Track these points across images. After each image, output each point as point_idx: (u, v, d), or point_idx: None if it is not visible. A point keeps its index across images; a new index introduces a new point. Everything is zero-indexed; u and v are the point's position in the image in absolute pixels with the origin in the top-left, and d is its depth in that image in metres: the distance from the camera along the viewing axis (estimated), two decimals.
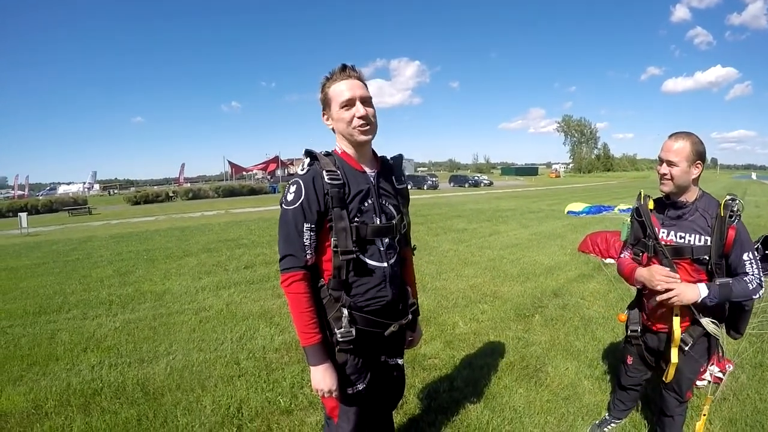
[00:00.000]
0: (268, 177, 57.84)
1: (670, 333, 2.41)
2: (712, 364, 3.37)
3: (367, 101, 1.83)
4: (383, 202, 1.94)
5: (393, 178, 2.04)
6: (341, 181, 1.80)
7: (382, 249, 1.91)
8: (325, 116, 1.90)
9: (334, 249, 1.80)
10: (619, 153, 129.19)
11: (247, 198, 38.85)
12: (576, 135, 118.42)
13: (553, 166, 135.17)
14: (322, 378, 1.83)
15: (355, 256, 1.81)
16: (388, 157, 2.09)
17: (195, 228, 15.25)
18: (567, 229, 12.17)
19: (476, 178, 57.62)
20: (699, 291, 2.20)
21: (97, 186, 70.27)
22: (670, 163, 2.23)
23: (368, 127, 1.84)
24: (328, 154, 1.89)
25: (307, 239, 1.78)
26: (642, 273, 2.40)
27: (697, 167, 2.24)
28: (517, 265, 7.91)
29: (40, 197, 46.35)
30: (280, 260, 1.81)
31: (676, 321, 2.36)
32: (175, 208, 29.26)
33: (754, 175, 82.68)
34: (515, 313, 5.29)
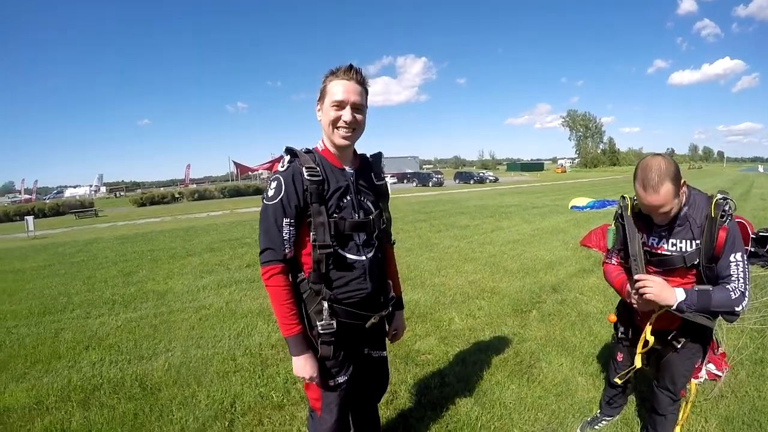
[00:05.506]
0: None
1: (663, 329, 2.35)
2: (709, 362, 3.37)
3: (358, 108, 1.87)
4: (361, 198, 1.98)
5: (372, 174, 2.09)
6: (320, 178, 1.84)
7: (359, 243, 1.95)
8: (318, 108, 1.93)
9: (313, 243, 1.84)
10: (625, 147, 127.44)
11: (252, 198, 39.02)
12: (581, 129, 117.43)
13: (559, 162, 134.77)
14: (303, 365, 1.89)
15: (332, 249, 1.86)
16: (368, 155, 2.13)
17: (200, 228, 15.37)
18: (570, 224, 12.17)
19: (481, 174, 57.53)
20: (675, 295, 2.08)
21: (103, 188, 71.15)
22: (663, 211, 2.05)
23: (350, 133, 1.88)
24: (308, 151, 1.93)
25: (286, 234, 1.82)
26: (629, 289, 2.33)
27: (682, 188, 2.06)
28: (517, 260, 7.90)
29: (47, 201, 46.95)
30: (261, 253, 1.85)
31: (648, 328, 2.31)
32: (180, 209, 29.47)
33: (761, 168, 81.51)
34: (512, 308, 5.29)
